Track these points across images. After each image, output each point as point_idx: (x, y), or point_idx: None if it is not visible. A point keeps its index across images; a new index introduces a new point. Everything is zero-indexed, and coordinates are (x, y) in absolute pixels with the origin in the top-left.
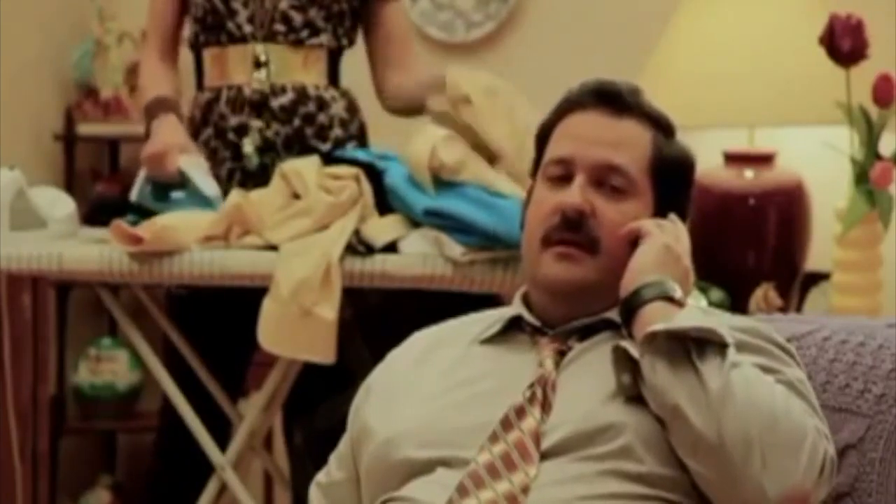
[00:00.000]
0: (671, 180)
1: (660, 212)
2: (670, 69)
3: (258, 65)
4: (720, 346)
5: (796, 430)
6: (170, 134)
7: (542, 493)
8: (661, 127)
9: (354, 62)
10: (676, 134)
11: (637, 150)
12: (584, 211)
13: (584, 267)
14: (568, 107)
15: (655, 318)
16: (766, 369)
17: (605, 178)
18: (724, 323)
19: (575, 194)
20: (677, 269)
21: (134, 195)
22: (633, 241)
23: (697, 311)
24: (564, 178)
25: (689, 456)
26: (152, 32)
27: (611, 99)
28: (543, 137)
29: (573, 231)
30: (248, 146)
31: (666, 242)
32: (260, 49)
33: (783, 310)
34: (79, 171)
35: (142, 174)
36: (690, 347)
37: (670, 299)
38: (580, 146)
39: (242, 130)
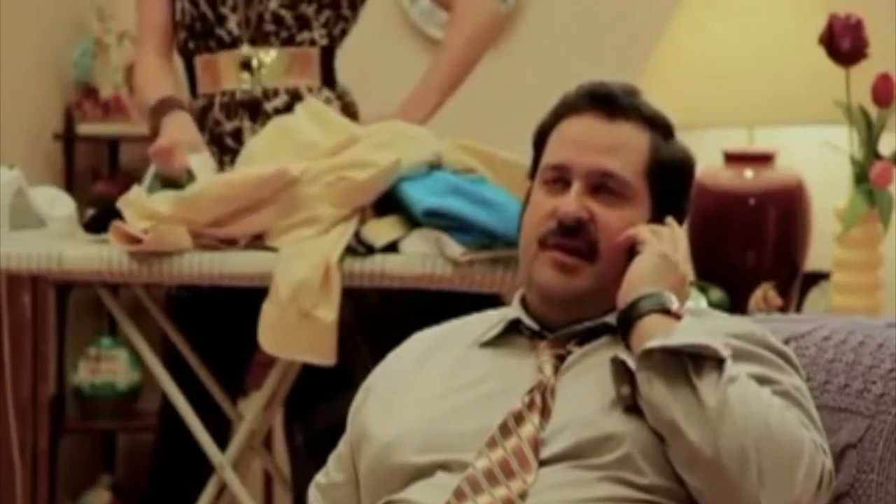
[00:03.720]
0: (670, 182)
1: (658, 215)
2: (670, 69)
3: (246, 66)
4: (717, 361)
5: (793, 444)
6: (179, 130)
7: (540, 497)
8: (659, 128)
9: (354, 62)
10: (675, 134)
11: (633, 153)
12: (582, 218)
13: (581, 276)
14: (564, 110)
15: (652, 332)
16: (762, 379)
17: (602, 184)
18: (721, 329)
19: (572, 202)
20: (674, 277)
21: (143, 189)
22: (630, 247)
23: (695, 324)
24: (561, 184)
25: (687, 471)
26: (146, 33)
27: (606, 102)
28: (540, 141)
29: (570, 237)
30: None
31: (662, 251)
32: (247, 51)
33: (783, 309)
34: (78, 171)
35: (151, 169)
36: (687, 363)
37: (667, 311)
38: (576, 152)
39: (238, 135)
